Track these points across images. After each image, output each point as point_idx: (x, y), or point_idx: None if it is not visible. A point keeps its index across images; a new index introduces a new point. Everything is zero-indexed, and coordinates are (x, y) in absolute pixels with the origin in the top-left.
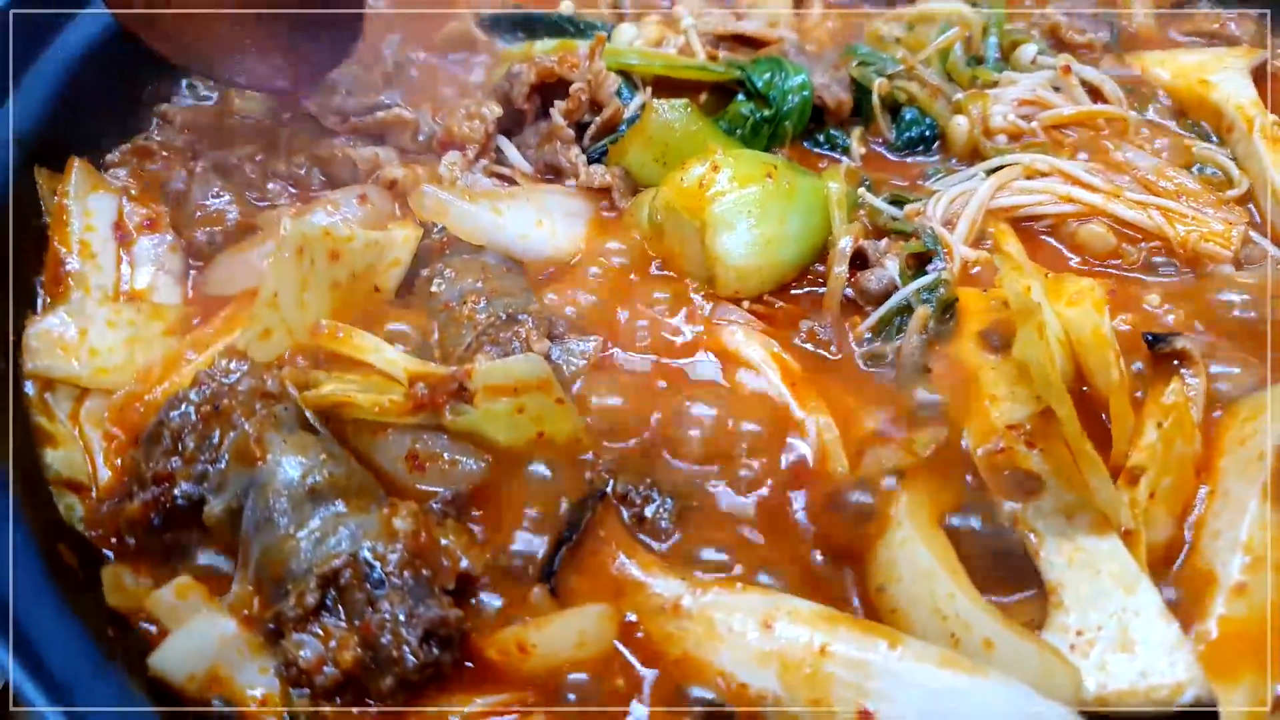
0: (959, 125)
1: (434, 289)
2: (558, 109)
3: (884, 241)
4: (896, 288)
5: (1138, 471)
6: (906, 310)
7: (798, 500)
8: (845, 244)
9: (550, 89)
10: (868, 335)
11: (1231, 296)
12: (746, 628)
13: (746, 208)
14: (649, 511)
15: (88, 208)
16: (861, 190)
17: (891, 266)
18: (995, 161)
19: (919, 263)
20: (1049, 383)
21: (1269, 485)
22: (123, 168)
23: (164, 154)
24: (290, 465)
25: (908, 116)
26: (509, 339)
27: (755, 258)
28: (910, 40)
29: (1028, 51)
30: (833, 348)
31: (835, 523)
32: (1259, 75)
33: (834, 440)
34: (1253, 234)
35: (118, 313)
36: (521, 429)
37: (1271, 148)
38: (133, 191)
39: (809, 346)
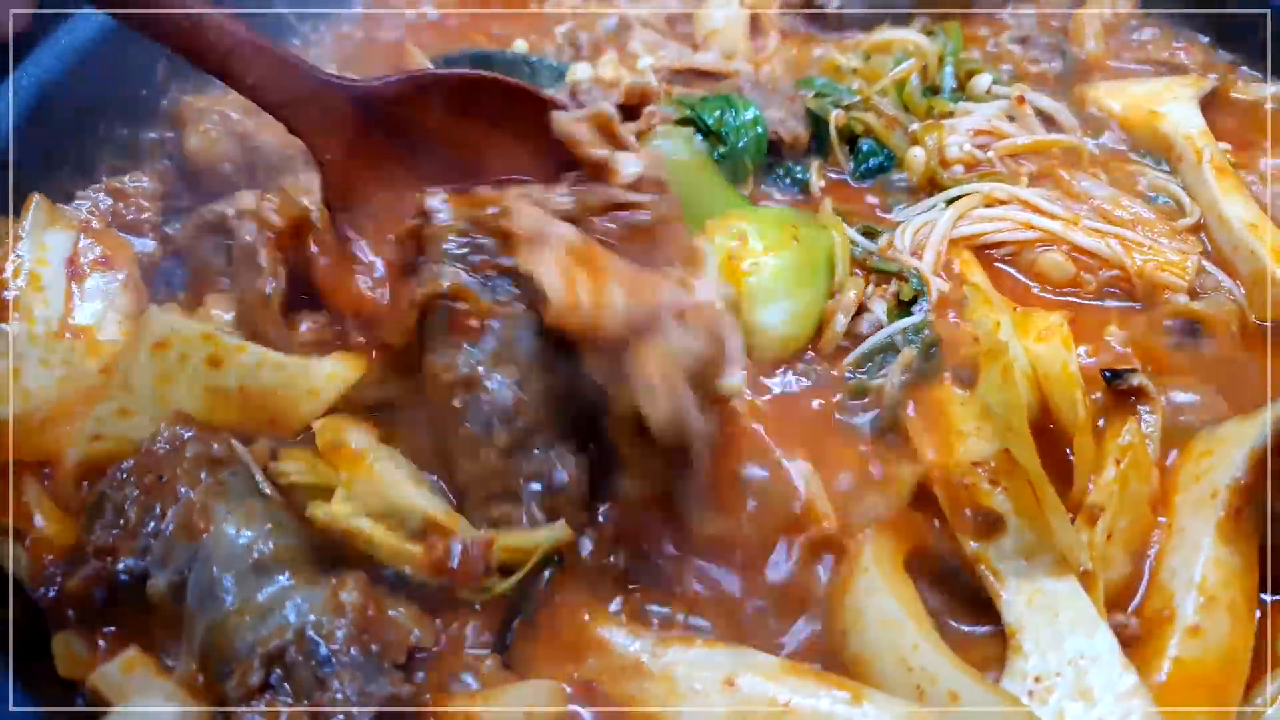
0: (915, 156)
1: (455, 403)
2: None
3: (870, 286)
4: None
5: (1096, 511)
6: (890, 348)
7: (780, 550)
8: (851, 296)
9: None
10: (848, 373)
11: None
12: (708, 686)
13: (781, 278)
14: (611, 560)
15: (43, 242)
16: (850, 231)
17: (879, 308)
18: (955, 191)
19: (903, 301)
20: (1011, 428)
21: (1223, 523)
22: (89, 200)
23: (138, 201)
24: (235, 536)
25: (865, 148)
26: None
27: (796, 325)
28: (866, 71)
29: (982, 81)
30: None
31: (811, 571)
32: (1208, 103)
33: (819, 488)
34: (1205, 263)
35: (51, 349)
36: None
37: (1220, 178)
38: (94, 225)
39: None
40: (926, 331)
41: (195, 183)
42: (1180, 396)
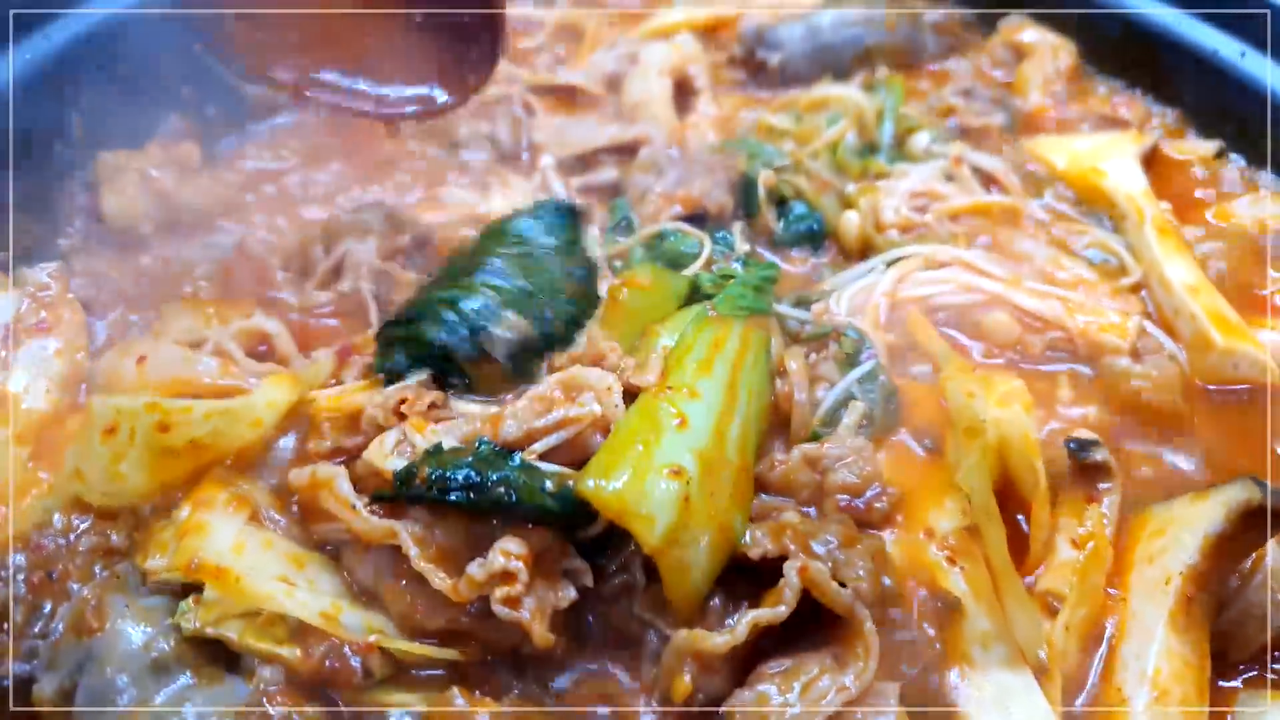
0: (849, 220)
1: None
2: None
3: (813, 356)
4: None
5: (1052, 600)
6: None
7: None
8: (794, 365)
9: None
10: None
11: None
12: None
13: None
14: None
15: None
16: (780, 307)
17: (826, 369)
18: (895, 253)
19: (849, 355)
20: (989, 514)
21: (1175, 613)
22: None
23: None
24: (132, 634)
25: (796, 211)
26: None
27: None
28: (800, 132)
29: (921, 140)
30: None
31: None
32: (1148, 159)
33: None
34: (1147, 324)
35: None
36: None
37: (1162, 239)
38: (43, 296)
39: None
40: (882, 379)
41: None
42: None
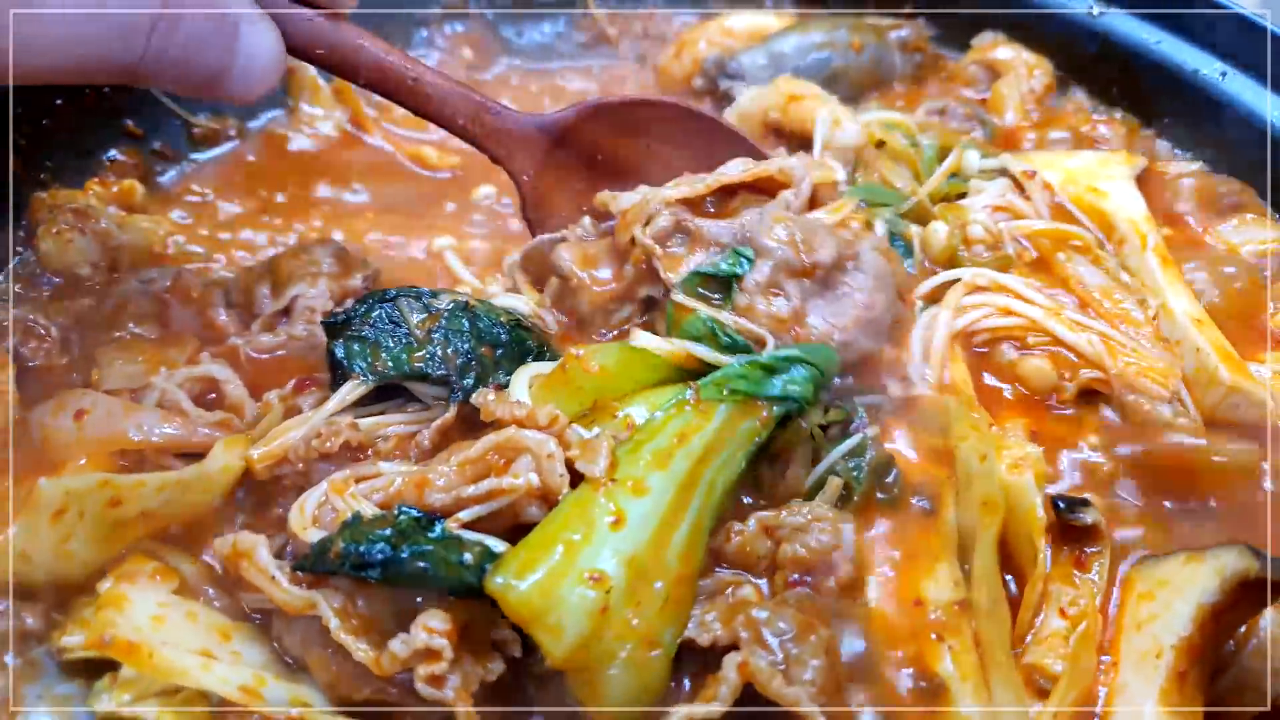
0: (936, 231)
1: None
2: None
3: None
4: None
5: (1039, 676)
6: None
7: None
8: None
9: None
10: None
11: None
12: None
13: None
14: None
15: None
16: None
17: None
18: (930, 282)
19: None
20: (994, 599)
21: (1167, 689)
22: None
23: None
24: None
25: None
26: None
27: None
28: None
29: (972, 158)
30: None
31: None
32: (1140, 183)
33: None
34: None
35: None
36: None
37: (1164, 267)
38: None
39: None
40: (870, 452)
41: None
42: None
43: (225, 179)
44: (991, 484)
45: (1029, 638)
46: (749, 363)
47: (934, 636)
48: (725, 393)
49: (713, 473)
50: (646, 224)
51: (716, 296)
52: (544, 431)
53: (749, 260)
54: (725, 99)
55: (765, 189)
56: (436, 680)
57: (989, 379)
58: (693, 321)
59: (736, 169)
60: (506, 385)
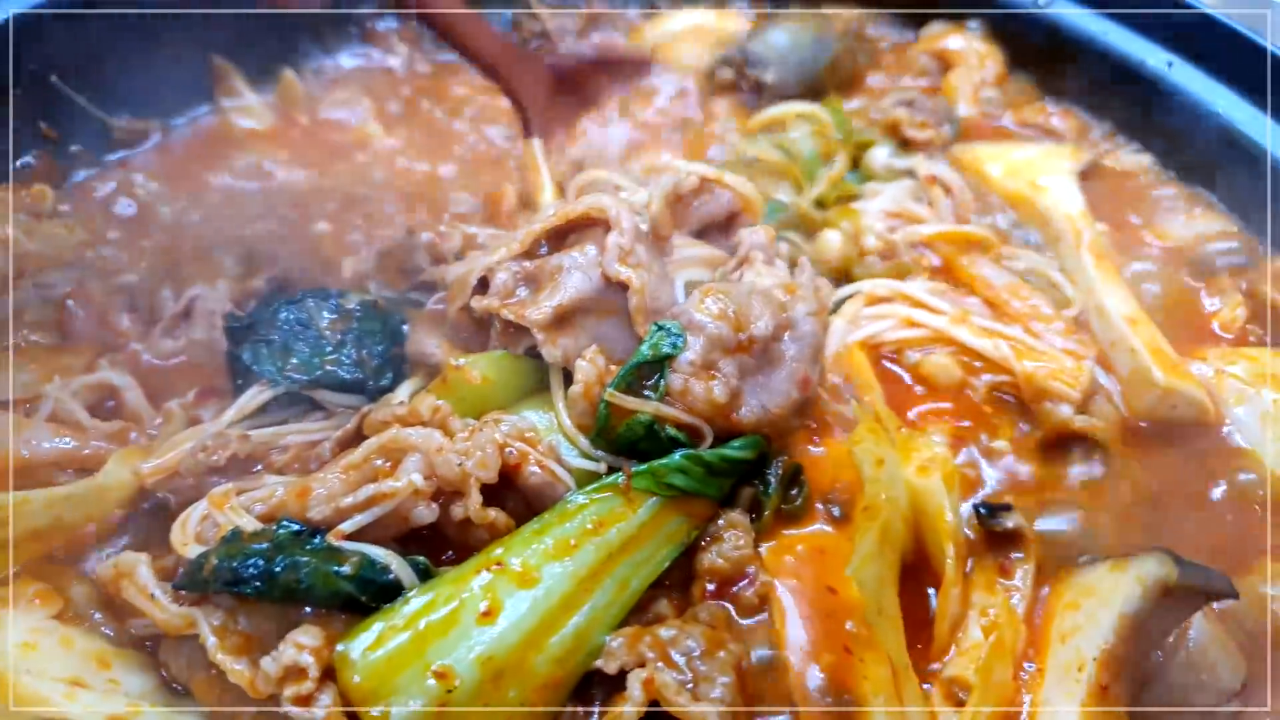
0: (830, 241)
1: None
2: None
3: None
4: None
5: (958, 689)
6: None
7: None
8: None
9: None
10: None
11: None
12: None
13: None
14: None
15: None
16: None
17: None
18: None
19: None
20: (882, 611)
21: (1088, 704)
22: None
23: None
24: None
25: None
26: None
27: None
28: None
29: (879, 155)
30: None
31: None
32: (1087, 176)
33: None
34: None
35: None
36: None
37: (1099, 264)
38: None
39: None
40: (779, 459)
41: None
42: (1052, 522)
43: (142, 180)
44: (878, 488)
45: (952, 650)
46: (690, 458)
47: (845, 649)
48: (661, 486)
49: (627, 569)
50: (485, 287)
51: (648, 383)
52: (428, 425)
53: (680, 339)
54: (756, 87)
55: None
56: (303, 700)
57: (903, 376)
58: (633, 426)
59: (549, 213)
60: None
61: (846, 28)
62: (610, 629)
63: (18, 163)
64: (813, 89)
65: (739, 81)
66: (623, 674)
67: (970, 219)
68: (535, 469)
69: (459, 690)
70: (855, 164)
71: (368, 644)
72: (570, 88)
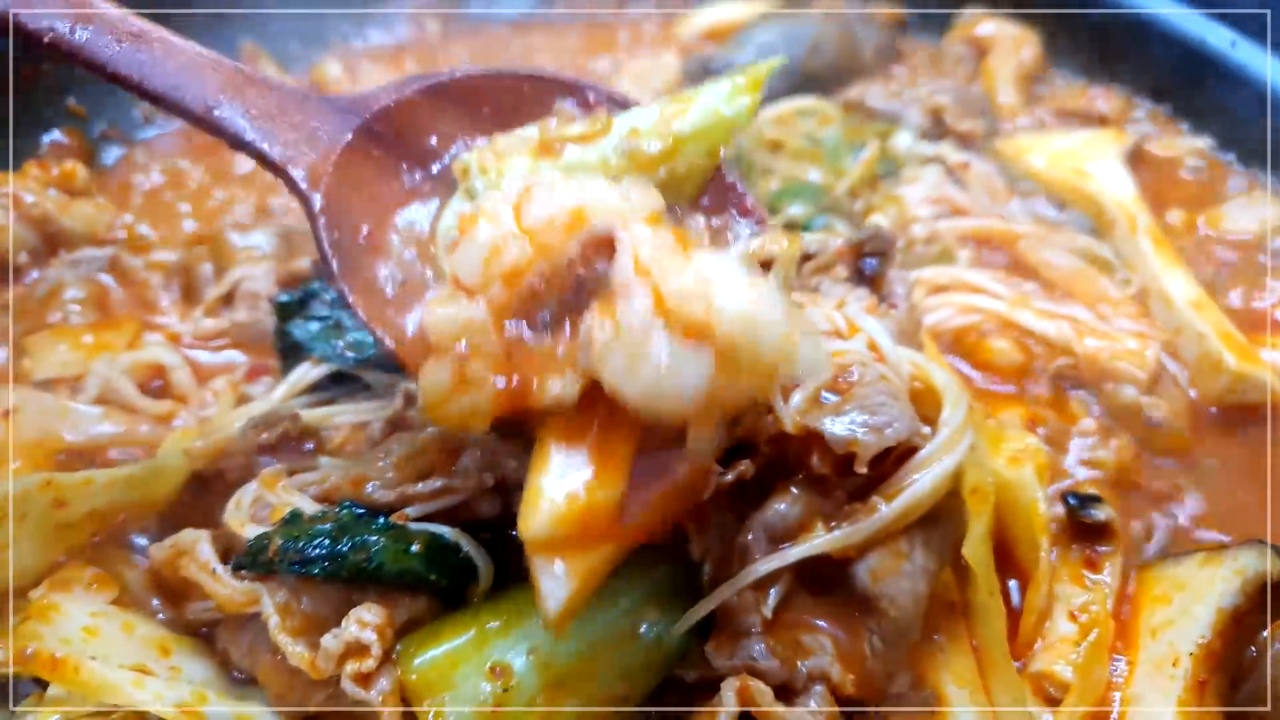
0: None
1: None
2: None
3: None
4: None
5: (1048, 684)
6: None
7: None
8: None
9: None
10: None
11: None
12: None
13: None
14: None
15: None
16: None
17: None
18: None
19: None
20: (991, 590)
21: (1186, 700)
22: None
23: None
24: None
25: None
26: None
27: None
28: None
29: (903, 140)
30: None
31: None
32: (1133, 159)
33: None
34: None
35: None
36: None
37: (1159, 250)
38: None
39: None
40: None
41: None
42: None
43: (174, 158)
44: (981, 472)
45: (1038, 644)
46: None
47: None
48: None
49: None
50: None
51: None
52: None
53: None
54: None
55: None
56: (363, 679)
57: (960, 365)
58: None
59: None
60: None
61: (844, 25)
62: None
63: (46, 139)
64: (805, 86)
65: None
66: (701, 683)
67: (1005, 207)
68: None
69: (516, 690)
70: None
71: (425, 641)
72: (400, 142)
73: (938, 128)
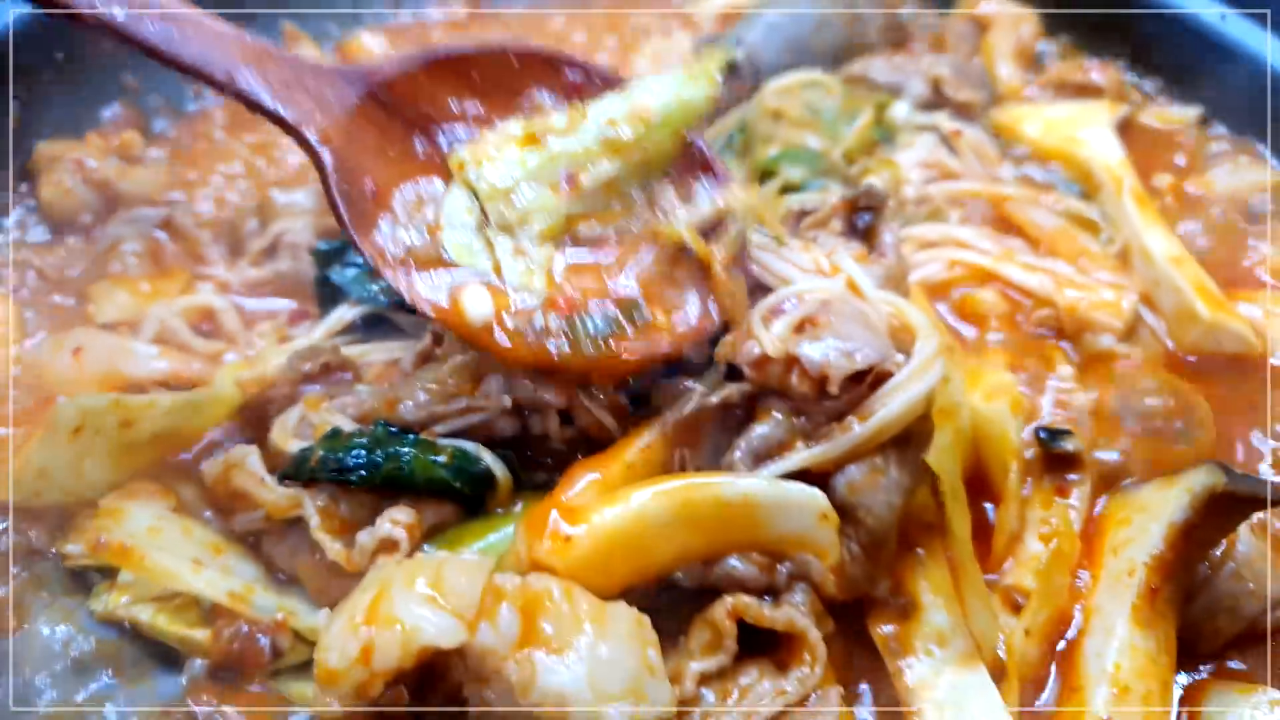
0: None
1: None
2: None
3: None
4: None
5: (1018, 595)
6: None
7: None
8: None
9: None
10: None
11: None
12: None
13: None
14: None
15: None
16: None
17: None
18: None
19: None
20: (956, 497)
21: (1139, 606)
22: None
23: None
24: (51, 633)
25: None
26: None
27: None
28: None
29: (900, 110)
30: None
31: None
32: (1126, 129)
33: None
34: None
35: None
36: None
37: (1142, 210)
38: None
39: None
40: None
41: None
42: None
43: (223, 127)
44: (950, 398)
45: (1008, 562)
46: None
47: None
48: None
49: None
50: None
51: None
52: None
53: None
54: (732, 69)
55: None
56: None
57: (947, 318)
58: None
59: None
60: None
61: (849, 4)
62: None
63: (106, 112)
64: (811, 62)
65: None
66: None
67: (996, 171)
68: None
69: None
70: (876, 121)
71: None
72: (404, 110)
73: (937, 98)
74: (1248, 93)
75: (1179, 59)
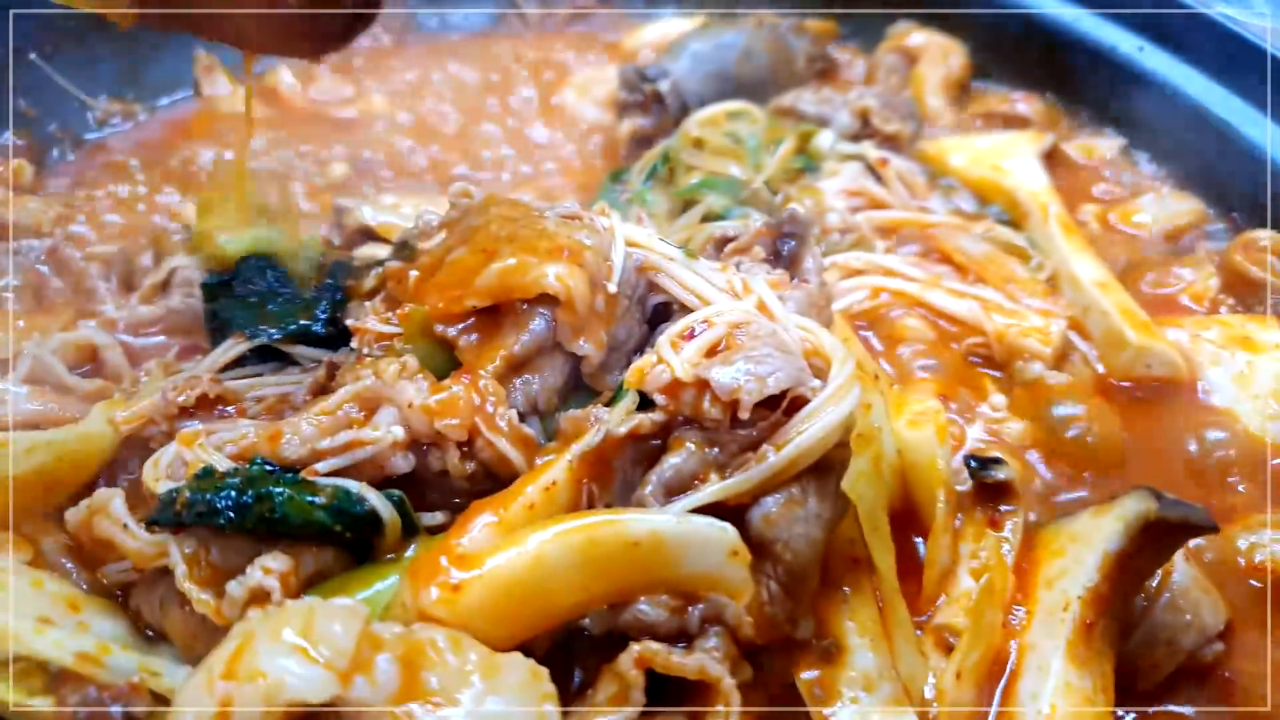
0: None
1: None
2: None
3: None
4: None
5: (950, 635)
6: None
7: None
8: None
9: None
10: None
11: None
12: None
13: None
14: None
15: None
16: None
17: None
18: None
19: None
20: (875, 528)
21: (1074, 642)
22: None
23: None
24: None
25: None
26: None
27: None
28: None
29: (824, 139)
30: None
31: None
32: (1051, 160)
33: None
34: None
35: None
36: None
37: (1067, 235)
38: None
39: None
40: None
41: None
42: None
43: (122, 160)
44: (869, 423)
45: (940, 599)
46: None
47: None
48: None
49: None
50: None
51: None
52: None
53: None
54: (657, 100)
55: None
56: None
57: (876, 343)
58: None
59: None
60: None
61: (775, 35)
62: None
63: None
64: (738, 93)
65: (638, 101)
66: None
67: (924, 201)
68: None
69: None
70: (800, 150)
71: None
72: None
73: (866, 130)
74: (1166, 122)
75: (1101, 91)
